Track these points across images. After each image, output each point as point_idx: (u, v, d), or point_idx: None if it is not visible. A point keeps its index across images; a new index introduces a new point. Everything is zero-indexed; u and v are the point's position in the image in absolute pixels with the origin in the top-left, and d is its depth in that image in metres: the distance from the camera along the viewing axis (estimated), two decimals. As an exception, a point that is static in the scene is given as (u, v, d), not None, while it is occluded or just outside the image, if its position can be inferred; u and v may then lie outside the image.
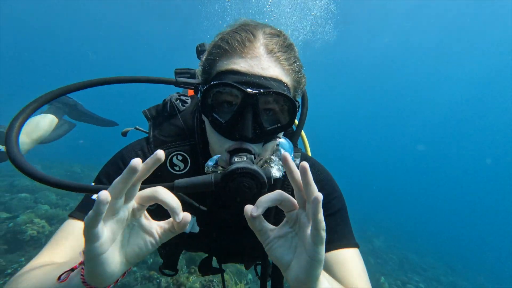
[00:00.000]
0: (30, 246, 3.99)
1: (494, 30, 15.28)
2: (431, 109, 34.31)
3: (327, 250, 0.94)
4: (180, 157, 0.97)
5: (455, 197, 38.66)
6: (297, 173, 0.62)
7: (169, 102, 1.04)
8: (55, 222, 4.55)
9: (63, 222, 0.94)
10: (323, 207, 0.92)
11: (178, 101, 1.04)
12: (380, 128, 47.34)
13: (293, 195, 0.92)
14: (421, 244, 11.79)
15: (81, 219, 0.91)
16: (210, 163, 0.80)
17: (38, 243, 3.99)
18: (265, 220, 0.67)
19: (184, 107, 1.04)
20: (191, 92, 1.22)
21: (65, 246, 0.86)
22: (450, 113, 35.69)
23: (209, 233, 1.08)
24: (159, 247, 1.33)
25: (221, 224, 1.06)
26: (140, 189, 0.71)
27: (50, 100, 0.92)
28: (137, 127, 1.16)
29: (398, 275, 7.29)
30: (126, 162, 0.97)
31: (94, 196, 0.92)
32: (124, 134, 1.20)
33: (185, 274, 3.43)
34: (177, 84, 1.05)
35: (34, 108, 0.88)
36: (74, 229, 0.90)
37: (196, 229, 1.02)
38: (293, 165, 0.63)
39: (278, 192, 0.64)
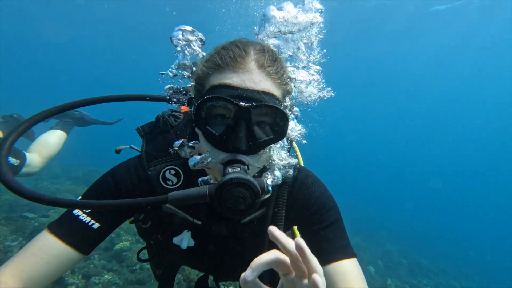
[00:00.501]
0: (54, 243, 4.31)
1: (492, 30, 14.71)
2: (438, 109, 33.36)
3: (326, 262, 0.95)
4: (172, 172, 0.97)
5: (471, 202, 37.33)
6: (290, 245, 0.55)
7: (161, 118, 1.05)
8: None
9: (41, 232, 0.91)
10: (317, 219, 1.00)
11: (170, 117, 1.05)
12: (388, 131, 46.46)
13: (286, 212, 0.99)
14: (434, 249, 11.55)
15: (57, 235, 0.88)
16: (201, 180, 0.83)
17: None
18: (260, 283, 0.58)
19: (176, 123, 1.05)
20: (184, 108, 1.24)
21: (30, 264, 0.84)
22: (457, 113, 34.54)
23: (204, 247, 1.06)
24: (153, 268, 1.35)
25: (216, 238, 1.05)
26: (130, 205, 0.74)
27: (42, 120, 0.92)
28: (132, 146, 1.17)
29: (407, 279, 7.22)
30: (117, 180, 0.97)
31: (75, 211, 0.92)
32: (118, 151, 1.19)
33: (195, 270, 3.63)
34: (170, 100, 1.05)
35: (25, 128, 0.86)
36: (45, 245, 0.87)
37: (192, 242, 1.03)
38: (283, 238, 0.55)
39: (274, 254, 0.57)
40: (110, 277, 3.66)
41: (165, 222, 1.04)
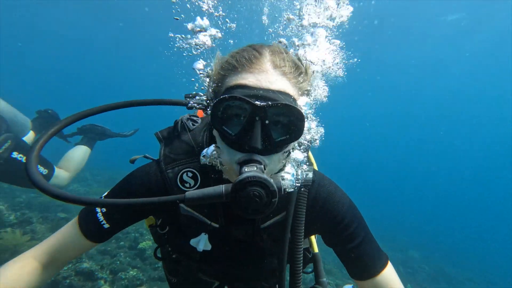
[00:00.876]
0: (84, 241, 4.68)
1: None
2: (457, 107, 31.44)
3: (367, 277, 0.99)
4: (190, 174, 0.97)
5: (501, 208, 34.80)
6: None
7: (180, 122, 1.06)
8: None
9: (74, 219, 1.02)
10: (349, 237, 0.98)
11: (188, 121, 1.07)
12: (404, 131, 44.59)
13: (308, 209, 0.97)
14: (463, 257, 10.97)
15: (80, 227, 0.99)
16: (205, 153, 0.85)
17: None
18: None
19: (194, 126, 1.06)
20: (200, 114, 1.27)
21: (54, 248, 0.97)
22: (475, 111, 32.22)
23: (221, 252, 1.05)
24: (168, 277, 1.33)
25: (234, 242, 1.03)
26: (150, 204, 0.74)
27: (69, 124, 0.97)
28: (146, 155, 1.19)
29: (428, 286, 6.95)
30: (131, 186, 1.01)
31: (96, 208, 1.00)
32: (132, 161, 1.21)
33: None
34: (188, 105, 1.07)
35: (55, 131, 0.91)
36: (70, 234, 1.00)
37: (209, 246, 1.02)
38: None
39: None
40: (134, 273, 3.91)
41: (182, 225, 1.04)
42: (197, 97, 1.10)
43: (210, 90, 0.88)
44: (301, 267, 1.03)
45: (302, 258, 1.01)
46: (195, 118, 1.08)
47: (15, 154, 2.69)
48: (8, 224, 4.14)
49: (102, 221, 0.99)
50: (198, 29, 1.26)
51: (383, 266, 1.00)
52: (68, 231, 1.01)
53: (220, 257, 1.07)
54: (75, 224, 1.01)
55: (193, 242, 1.02)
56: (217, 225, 0.99)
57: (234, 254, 1.06)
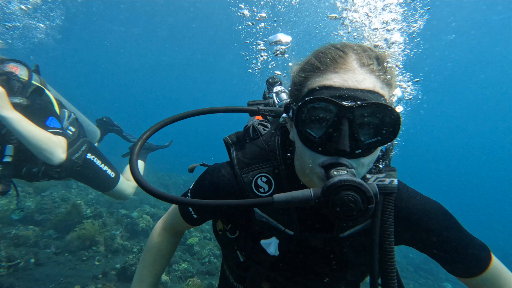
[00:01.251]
0: (142, 234, 5.34)
1: None
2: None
3: (475, 275, 0.91)
4: (264, 179, 0.96)
5: None
6: None
7: (251, 127, 1.06)
8: (156, 218, 5.93)
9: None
10: (448, 243, 0.90)
11: (259, 126, 1.07)
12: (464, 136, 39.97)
13: (395, 218, 0.90)
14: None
15: (180, 212, 1.14)
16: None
17: (147, 233, 5.32)
18: None
19: (265, 131, 1.06)
20: (259, 118, 1.30)
21: (169, 221, 1.21)
22: None
23: (291, 260, 1.03)
24: (235, 284, 1.29)
25: (310, 250, 0.99)
26: (236, 205, 0.73)
27: (156, 131, 1.02)
28: (204, 162, 1.21)
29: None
30: (202, 188, 1.06)
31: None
32: (191, 170, 1.23)
33: None
34: (258, 112, 1.08)
35: (149, 135, 0.98)
36: (175, 213, 1.17)
37: (277, 252, 0.99)
38: None
39: None
40: (186, 266, 4.39)
41: (254, 231, 1.03)
42: (264, 103, 1.14)
43: (290, 93, 0.87)
44: (396, 281, 0.93)
45: (395, 271, 0.93)
46: (265, 123, 1.09)
47: (89, 155, 3.00)
48: (86, 217, 4.94)
49: (191, 211, 1.13)
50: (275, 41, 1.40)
51: (489, 260, 0.91)
52: (175, 211, 1.20)
53: (292, 266, 1.04)
54: (177, 209, 1.18)
55: (263, 243, 1.00)
56: (291, 233, 0.96)
57: (309, 263, 1.02)
